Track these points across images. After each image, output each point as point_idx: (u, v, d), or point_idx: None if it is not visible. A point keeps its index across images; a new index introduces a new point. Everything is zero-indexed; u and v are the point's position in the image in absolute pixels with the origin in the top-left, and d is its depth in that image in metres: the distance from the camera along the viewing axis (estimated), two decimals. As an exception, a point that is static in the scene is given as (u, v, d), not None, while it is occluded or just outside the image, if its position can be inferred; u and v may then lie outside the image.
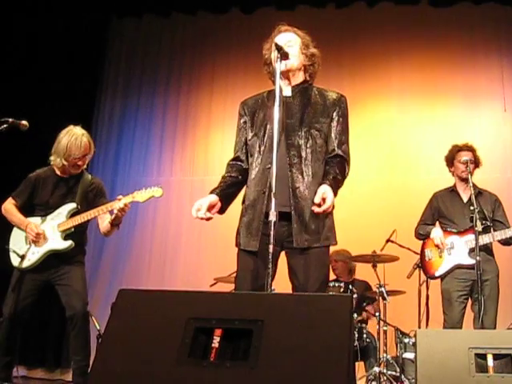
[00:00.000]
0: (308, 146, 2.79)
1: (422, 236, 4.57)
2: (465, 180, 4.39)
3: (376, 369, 4.55)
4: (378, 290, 4.84)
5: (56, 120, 4.36)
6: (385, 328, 4.76)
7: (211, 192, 2.87)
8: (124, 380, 1.84)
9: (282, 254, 2.82)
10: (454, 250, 4.38)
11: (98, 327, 4.49)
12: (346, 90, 5.98)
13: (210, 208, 2.78)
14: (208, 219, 2.78)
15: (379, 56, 6.52)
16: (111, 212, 3.85)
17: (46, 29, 6.57)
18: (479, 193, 4.41)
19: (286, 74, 2.88)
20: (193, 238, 6.47)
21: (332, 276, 5.30)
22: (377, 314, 4.81)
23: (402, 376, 4.49)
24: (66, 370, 5.92)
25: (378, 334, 4.78)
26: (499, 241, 4.31)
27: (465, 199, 4.47)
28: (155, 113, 7.00)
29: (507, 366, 2.45)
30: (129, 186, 6.29)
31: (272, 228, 2.48)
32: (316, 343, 1.79)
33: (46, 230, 3.90)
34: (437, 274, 4.42)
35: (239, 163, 2.98)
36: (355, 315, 4.86)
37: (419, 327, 4.65)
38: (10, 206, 4.02)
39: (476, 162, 4.46)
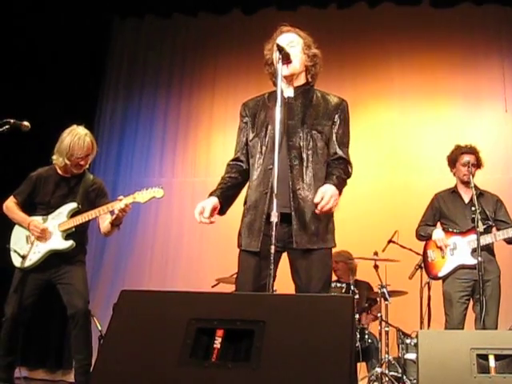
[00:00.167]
0: (309, 147, 2.80)
1: (424, 237, 4.57)
2: (466, 183, 4.40)
3: (378, 369, 4.55)
4: (379, 291, 4.84)
5: (58, 121, 4.37)
6: (386, 329, 4.76)
7: (211, 194, 2.88)
8: (126, 380, 1.84)
9: (284, 254, 2.83)
10: (457, 251, 4.38)
11: (100, 328, 4.50)
12: (348, 90, 6.02)
13: (212, 211, 2.79)
14: (210, 223, 2.79)
15: (380, 56, 6.51)
16: (112, 212, 3.86)
17: (47, 29, 6.58)
18: (480, 194, 4.41)
19: (288, 76, 2.88)
20: (194, 238, 6.47)
21: (333, 277, 5.29)
22: (379, 314, 4.81)
23: (404, 377, 4.49)
24: (68, 370, 5.92)
25: (380, 334, 4.77)
26: (504, 239, 4.31)
27: (466, 200, 4.47)
28: (157, 113, 7.00)
29: (509, 367, 2.45)
30: (130, 187, 6.25)
31: (274, 229, 2.49)
32: (318, 344, 1.79)
33: (48, 229, 3.91)
34: (440, 275, 4.42)
35: (239, 164, 2.98)
36: (357, 316, 4.86)
37: (421, 328, 4.64)
38: (11, 205, 4.03)
39: (478, 164, 4.47)
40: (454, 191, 4.58)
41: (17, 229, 4.02)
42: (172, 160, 6.88)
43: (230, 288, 4.75)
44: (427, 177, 6.05)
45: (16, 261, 3.91)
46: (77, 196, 3.97)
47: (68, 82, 6.55)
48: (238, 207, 2.96)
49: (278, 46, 2.75)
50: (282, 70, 2.76)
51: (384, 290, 4.82)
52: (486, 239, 4.20)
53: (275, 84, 2.85)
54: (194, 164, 6.83)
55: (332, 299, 2.08)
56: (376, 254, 4.98)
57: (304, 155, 2.79)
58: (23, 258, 3.87)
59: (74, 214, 3.93)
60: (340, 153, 2.85)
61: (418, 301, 4.79)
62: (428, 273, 4.54)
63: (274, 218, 2.51)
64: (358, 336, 4.77)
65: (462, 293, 4.30)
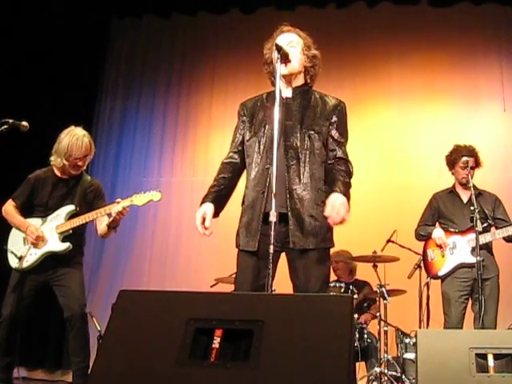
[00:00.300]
0: (306, 147, 2.81)
1: (423, 237, 4.57)
2: (465, 184, 4.40)
3: (377, 369, 4.55)
4: (378, 290, 4.84)
5: (56, 121, 4.37)
6: (385, 328, 4.76)
7: (204, 198, 2.89)
8: (124, 381, 1.84)
9: (283, 254, 2.83)
10: (457, 250, 4.38)
11: (99, 328, 4.49)
12: (347, 90, 6.03)
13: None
14: (210, 234, 2.82)
15: (379, 56, 6.52)
16: (109, 215, 3.85)
17: (46, 29, 6.57)
18: (479, 193, 4.41)
19: (286, 76, 2.89)
20: (193, 238, 6.45)
21: (333, 277, 5.29)
22: (377, 314, 4.81)
23: (403, 376, 4.49)
24: (67, 371, 5.91)
25: (379, 334, 4.77)
26: (503, 238, 4.31)
27: (465, 200, 4.48)
28: (155, 113, 6.99)
29: (508, 366, 2.45)
30: (129, 187, 6.30)
31: (272, 228, 2.49)
32: (317, 343, 1.79)
33: (45, 231, 3.90)
34: (440, 274, 4.42)
35: (233, 161, 2.99)
36: (356, 315, 4.86)
37: (420, 327, 4.64)
38: (10, 208, 4.02)
39: (477, 165, 4.47)
40: (452, 191, 4.58)
41: (14, 230, 4.01)
42: (171, 160, 6.87)
43: (228, 288, 4.75)
44: (426, 176, 6.05)
45: (13, 262, 3.90)
46: (75, 198, 3.97)
47: (66, 82, 6.55)
48: (236, 207, 2.96)
49: (276, 45, 2.76)
50: (281, 70, 2.76)
51: (383, 289, 4.82)
52: (485, 237, 4.20)
53: (274, 84, 2.86)
54: (193, 164, 6.83)
55: (330, 299, 2.09)
56: (375, 253, 4.98)
57: (301, 155, 2.79)
58: (20, 259, 3.86)
59: (71, 216, 3.93)
60: (339, 153, 2.86)
61: (417, 300, 4.78)
62: (428, 272, 4.54)
63: (273, 218, 2.51)
64: (357, 335, 4.77)
65: (461, 292, 4.30)
